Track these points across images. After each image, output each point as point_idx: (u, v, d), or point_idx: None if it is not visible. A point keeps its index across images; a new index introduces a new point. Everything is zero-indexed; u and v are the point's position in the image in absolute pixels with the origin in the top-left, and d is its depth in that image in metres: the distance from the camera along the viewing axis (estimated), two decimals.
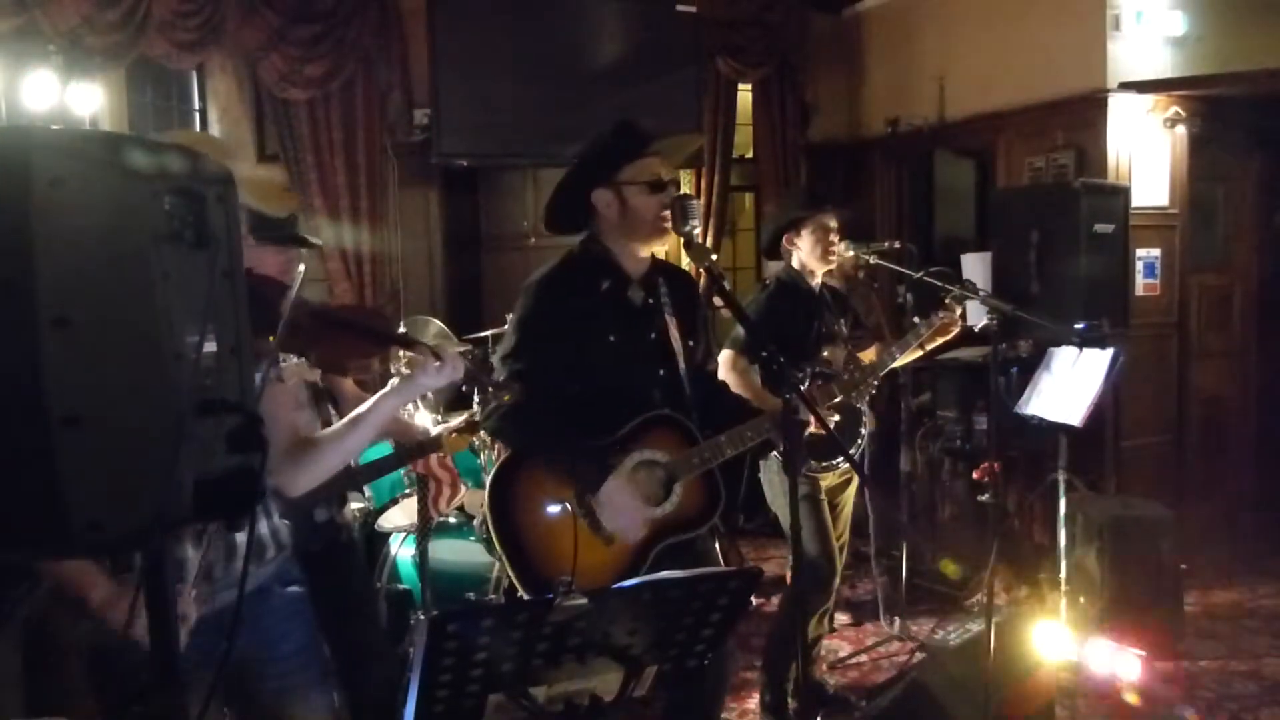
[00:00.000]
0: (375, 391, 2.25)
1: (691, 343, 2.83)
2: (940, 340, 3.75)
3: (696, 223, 2.58)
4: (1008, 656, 3.41)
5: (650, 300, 2.77)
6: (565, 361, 2.61)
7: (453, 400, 4.26)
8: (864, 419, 3.80)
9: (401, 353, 2.18)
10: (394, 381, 2.19)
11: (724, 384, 3.24)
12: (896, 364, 3.75)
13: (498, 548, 2.62)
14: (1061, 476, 4.31)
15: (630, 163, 2.65)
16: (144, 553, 1.41)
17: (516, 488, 2.63)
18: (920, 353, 3.77)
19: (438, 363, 2.12)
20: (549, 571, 2.55)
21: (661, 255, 2.96)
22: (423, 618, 3.10)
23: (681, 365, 2.78)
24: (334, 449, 2.21)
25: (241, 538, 2.10)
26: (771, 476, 3.82)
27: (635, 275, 2.75)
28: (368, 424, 2.20)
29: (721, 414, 2.85)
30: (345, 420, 2.25)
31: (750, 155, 7.09)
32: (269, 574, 2.20)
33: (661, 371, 2.75)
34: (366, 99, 5.69)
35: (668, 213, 2.61)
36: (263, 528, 2.18)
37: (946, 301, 3.75)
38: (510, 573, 2.60)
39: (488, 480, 2.68)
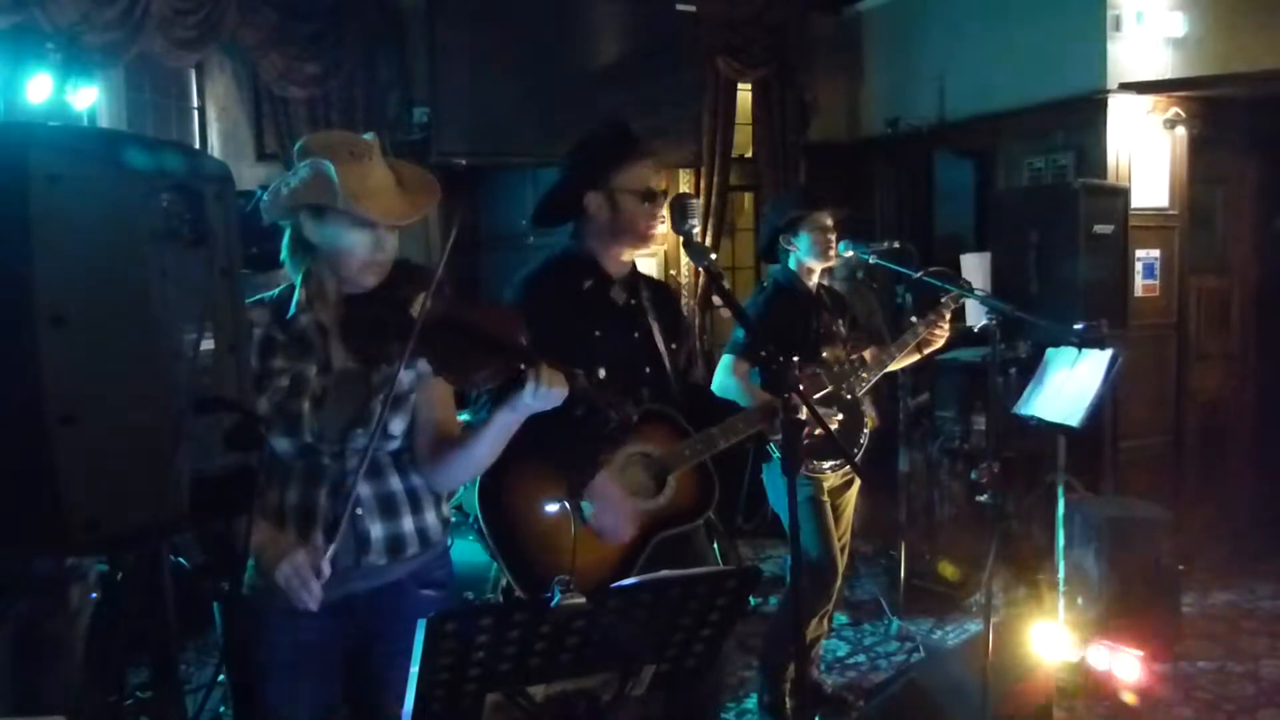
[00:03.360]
0: None
1: (674, 345, 2.84)
2: (935, 345, 3.74)
3: (695, 222, 2.59)
4: (1006, 657, 3.41)
5: (633, 301, 2.79)
6: (552, 358, 2.59)
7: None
8: (866, 418, 3.80)
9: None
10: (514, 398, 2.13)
11: (709, 390, 3.23)
12: (895, 365, 3.75)
13: (491, 547, 2.60)
14: (1060, 477, 4.30)
15: (624, 168, 2.66)
16: (140, 552, 1.40)
17: (508, 486, 2.61)
18: (918, 355, 3.76)
19: (544, 386, 2.06)
20: (546, 569, 2.54)
21: (660, 255, 2.97)
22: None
23: (668, 364, 2.79)
24: (467, 459, 2.20)
25: (377, 531, 2.11)
26: (774, 477, 3.82)
27: (617, 277, 2.78)
28: (491, 436, 2.16)
29: (708, 411, 2.85)
30: (474, 431, 2.23)
31: (749, 155, 7.08)
32: (408, 571, 2.18)
33: (648, 369, 2.77)
34: (365, 98, 5.68)
35: (655, 223, 2.67)
36: (406, 524, 2.16)
37: (943, 301, 3.74)
38: (505, 572, 2.59)
39: (475, 487, 2.65)
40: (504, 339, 2.09)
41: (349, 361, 2.10)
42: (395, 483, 2.16)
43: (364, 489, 2.10)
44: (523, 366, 2.06)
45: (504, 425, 2.15)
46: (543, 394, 2.07)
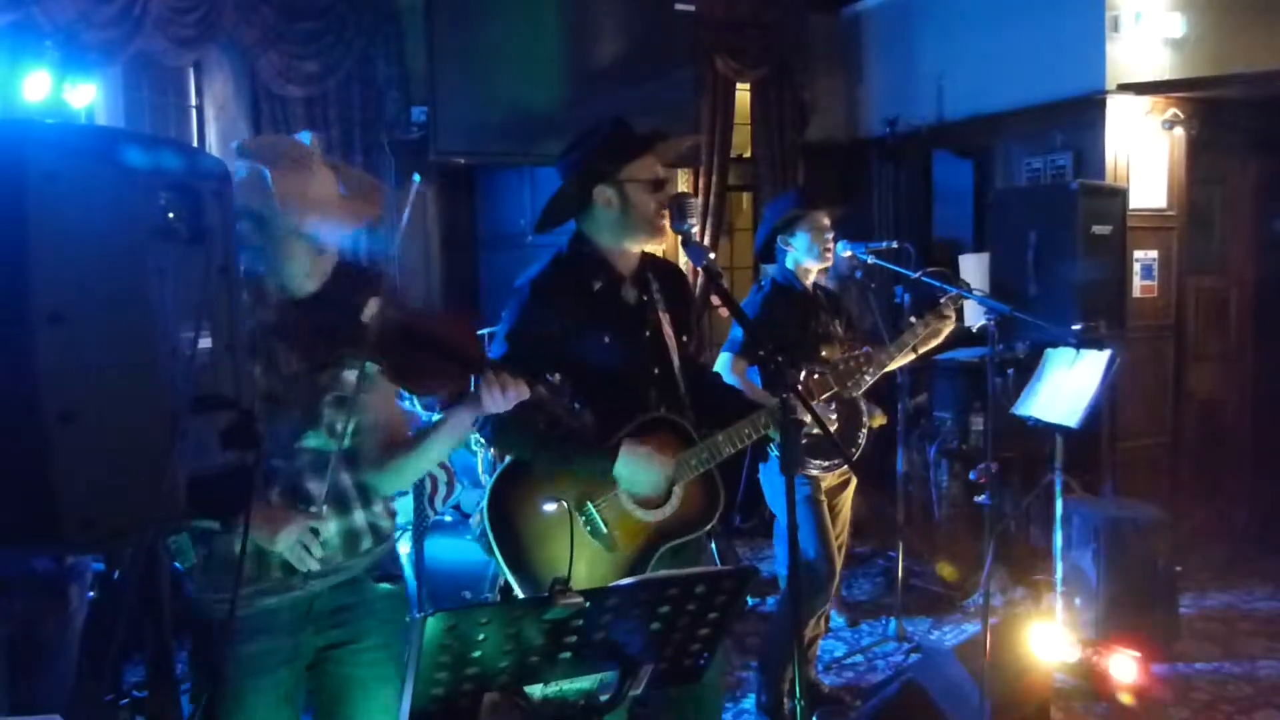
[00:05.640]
0: None
1: (685, 337, 2.81)
2: (933, 343, 3.74)
3: (694, 221, 2.57)
4: (1003, 658, 3.41)
5: (644, 298, 2.74)
6: (558, 366, 2.51)
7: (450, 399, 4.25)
8: (865, 418, 3.79)
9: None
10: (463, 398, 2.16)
11: (717, 375, 3.21)
12: (892, 366, 3.75)
13: (500, 562, 2.58)
14: (1058, 478, 4.30)
15: (634, 160, 2.63)
16: (137, 549, 1.40)
17: (516, 501, 2.60)
18: (913, 355, 3.76)
19: (500, 390, 2.09)
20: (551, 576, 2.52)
21: (659, 254, 2.94)
22: (418, 616, 3.09)
23: (676, 362, 2.75)
24: (416, 459, 2.21)
25: (332, 526, 2.10)
26: (772, 476, 3.82)
27: (627, 273, 2.72)
28: (443, 438, 2.19)
29: (716, 407, 2.83)
30: (421, 431, 2.23)
31: (748, 155, 7.08)
32: (363, 565, 2.18)
33: (656, 370, 2.72)
34: (363, 96, 5.68)
35: (666, 211, 2.61)
36: (358, 519, 2.16)
37: (942, 301, 3.74)
38: (511, 578, 2.57)
39: (484, 496, 2.65)
40: (458, 348, 2.10)
41: (296, 364, 2.08)
42: (345, 478, 2.16)
43: (315, 486, 2.10)
44: (476, 376, 2.08)
45: (461, 424, 2.17)
46: (497, 399, 2.09)
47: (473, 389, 2.10)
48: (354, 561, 2.16)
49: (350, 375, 2.11)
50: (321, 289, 2.07)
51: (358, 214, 2.06)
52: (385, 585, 2.22)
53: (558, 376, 2.20)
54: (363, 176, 2.18)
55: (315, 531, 2.00)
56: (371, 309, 2.00)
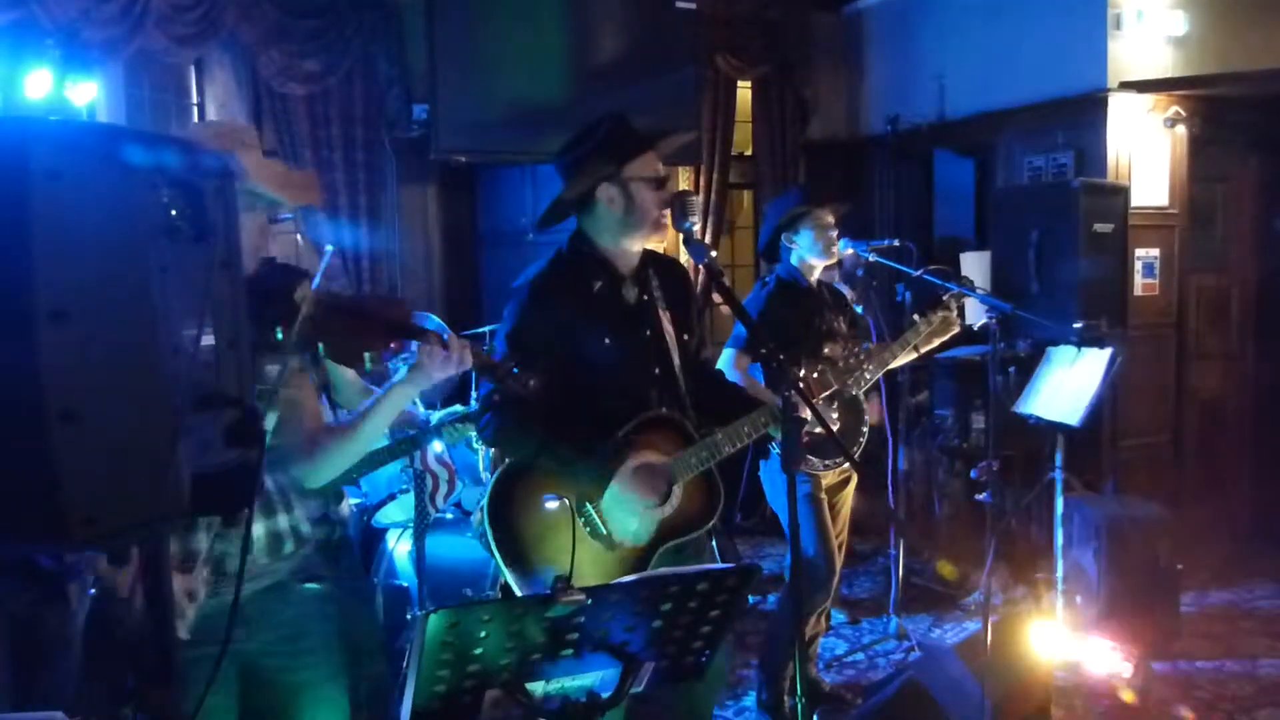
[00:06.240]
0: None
1: (686, 336, 2.80)
2: (938, 340, 3.74)
3: (696, 219, 2.56)
4: (1004, 656, 3.41)
5: (644, 297, 2.74)
6: (558, 368, 2.51)
7: (449, 394, 4.26)
8: (865, 416, 3.79)
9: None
10: (403, 370, 2.17)
11: (719, 372, 3.21)
12: (895, 364, 3.75)
13: (499, 562, 2.58)
14: (1059, 476, 4.30)
15: (636, 157, 2.62)
16: (141, 547, 1.40)
17: (517, 501, 2.60)
18: (916, 354, 3.76)
19: (445, 352, 2.10)
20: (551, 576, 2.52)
21: (660, 250, 2.93)
22: (419, 613, 3.09)
23: (677, 361, 2.75)
24: (354, 439, 2.19)
25: (258, 530, 2.08)
26: (772, 475, 3.81)
27: (627, 272, 2.71)
28: (383, 413, 2.18)
29: (718, 404, 2.83)
30: (361, 410, 2.22)
31: (749, 153, 7.08)
32: (288, 569, 2.17)
33: (657, 370, 2.72)
34: (365, 94, 5.68)
35: (668, 210, 2.60)
36: (282, 522, 2.14)
37: (945, 299, 3.73)
38: (511, 579, 2.57)
39: (484, 498, 2.64)
40: (390, 319, 2.12)
41: None
42: (269, 481, 2.14)
43: None
44: (416, 342, 2.10)
45: (402, 396, 2.17)
46: (440, 363, 2.10)
47: (416, 359, 2.12)
48: (278, 565, 2.14)
49: (272, 369, 2.10)
50: (254, 274, 2.06)
51: (303, 194, 2.12)
52: (312, 585, 2.20)
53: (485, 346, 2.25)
54: (290, 170, 2.23)
55: (191, 594, 1.97)
56: (303, 290, 2.02)
